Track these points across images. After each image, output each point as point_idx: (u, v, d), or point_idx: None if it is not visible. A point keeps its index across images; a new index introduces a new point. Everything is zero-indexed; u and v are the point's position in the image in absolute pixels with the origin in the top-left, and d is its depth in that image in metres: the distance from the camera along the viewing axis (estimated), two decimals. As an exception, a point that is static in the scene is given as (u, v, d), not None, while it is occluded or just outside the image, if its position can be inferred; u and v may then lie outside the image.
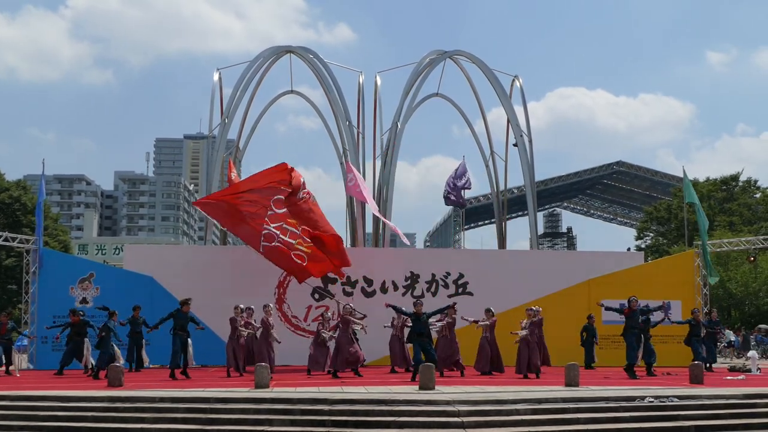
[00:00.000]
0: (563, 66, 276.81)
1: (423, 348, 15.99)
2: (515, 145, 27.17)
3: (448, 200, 30.61)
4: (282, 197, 19.45)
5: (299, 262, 19.40)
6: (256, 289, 21.15)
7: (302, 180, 20.07)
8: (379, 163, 27.43)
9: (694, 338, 19.31)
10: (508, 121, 28.17)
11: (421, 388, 13.33)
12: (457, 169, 30.28)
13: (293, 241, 19.29)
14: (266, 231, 19.04)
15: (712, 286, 23.94)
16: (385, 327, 19.04)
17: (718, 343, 23.58)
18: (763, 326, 33.73)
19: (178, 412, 11.88)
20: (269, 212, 19.18)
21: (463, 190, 30.06)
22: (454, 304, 18.62)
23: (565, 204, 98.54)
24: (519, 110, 27.82)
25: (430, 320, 16.87)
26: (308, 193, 20.10)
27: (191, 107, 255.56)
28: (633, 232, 69.29)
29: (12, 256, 43.70)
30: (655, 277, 22.81)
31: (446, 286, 22.41)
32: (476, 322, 17.89)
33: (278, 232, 19.12)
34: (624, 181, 79.90)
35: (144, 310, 19.47)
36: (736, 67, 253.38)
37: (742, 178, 55.09)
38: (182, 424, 11.52)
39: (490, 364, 17.75)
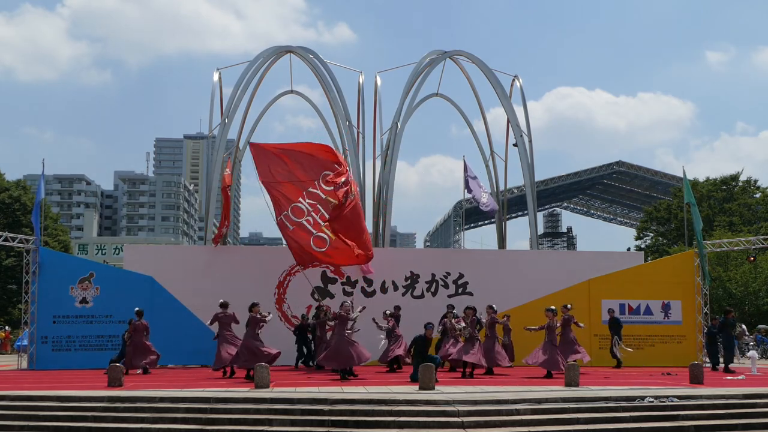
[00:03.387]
0: (562, 65, 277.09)
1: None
2: (515, 145, 27.09)
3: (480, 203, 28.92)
4: (331, 180, 18.86)
5: (317, 248, 19.36)
6: (256, 289, 21.15)
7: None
8: (379, 163, 27.42)
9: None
10: (508, 121, 28.13)
11: (421, 388, 13.33)
12: (468, 178, 28.79)
13: (321, 223, 19.23)
14: (297, 204, 19.02)
15: (711, 286, 23.94)
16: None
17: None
18: (762, 326, 33.72)
19: (178, 412, 11.89)
20: (310, 187, 19.10)
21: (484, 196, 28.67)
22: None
23: (565, 204, 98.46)
24: (519, 110, 27.81)
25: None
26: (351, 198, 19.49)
27: (191, 107, 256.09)
28: (633, 232, 69.24)
29: (12, 256, 43.70)
30: (655, 277, 22.81)
31: (446, 286, 22.41)
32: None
33: (310, 209, 18.99)
34: (624, 181, 79.85)
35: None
36: (735, 67, 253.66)
37: (742, 178, 55.13)
38: (182, 424, 11.52)
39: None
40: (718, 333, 20.01)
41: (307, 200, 19.13)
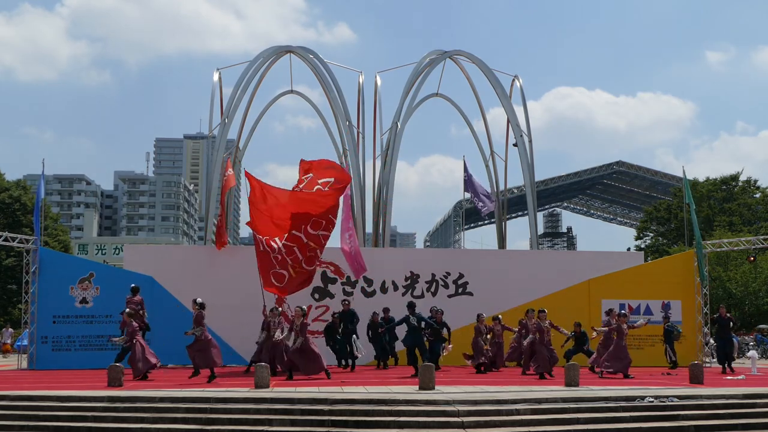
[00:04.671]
0: (562, 65, 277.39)
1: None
2: (515, 145, 27.10)
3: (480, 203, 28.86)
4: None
5: (275, 281, 18.59)
6: (256, 289, 21.13)
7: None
8: (379, 163, 27.42)
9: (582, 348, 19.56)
10: (508, 121, 28.13)
11: (421, 388, 13.33)
12: (467, 179, 28.81)
13: (289, 262, 18.41)
14: (273, 241, 18.29)
15: (711, 286, 23.93)
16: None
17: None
18: (763, 326, 33.73)
19: (178, 412, 11.88)
20: (294, 231, 18.25)
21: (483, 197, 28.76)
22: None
23: (565, 204, 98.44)
24: (519, 110, 27.80)
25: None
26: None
27: (191, 107, 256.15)
28: (633, 232, 69.26)
29: (12, 256, 43.72)
30: (655, 277, 22.82)
31: (446, 286, 22.41)
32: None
33: (284, 250, 18.15)
34: (624, 181, 79.83)
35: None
36: (735, 67, 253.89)
37: (742, 178, 55.14)
38: (182, 424, 11.52)
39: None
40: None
41: (284, 242, 18.24)
